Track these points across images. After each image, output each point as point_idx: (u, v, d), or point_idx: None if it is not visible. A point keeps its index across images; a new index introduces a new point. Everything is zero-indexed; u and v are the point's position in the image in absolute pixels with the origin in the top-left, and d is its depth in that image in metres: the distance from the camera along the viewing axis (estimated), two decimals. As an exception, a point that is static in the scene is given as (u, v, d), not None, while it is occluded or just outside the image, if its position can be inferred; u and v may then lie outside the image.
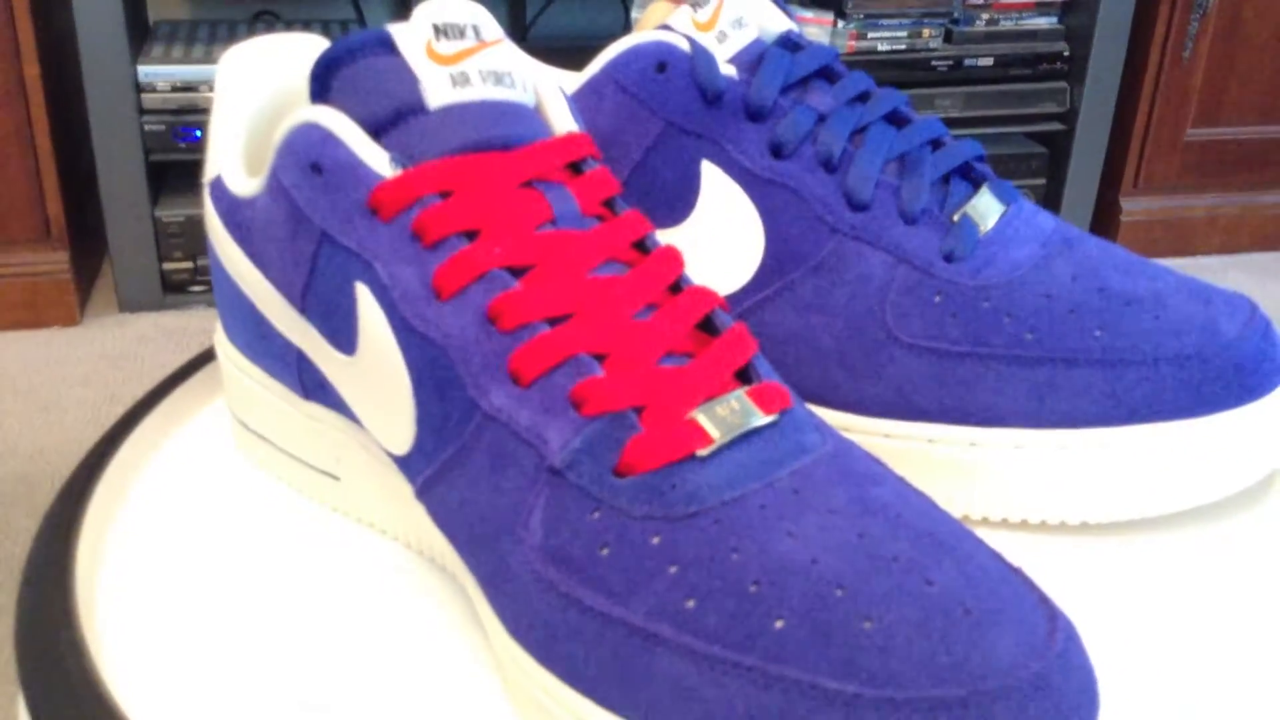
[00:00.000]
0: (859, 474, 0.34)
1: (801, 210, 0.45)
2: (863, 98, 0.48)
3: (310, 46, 0.46)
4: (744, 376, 0.35)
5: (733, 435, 0.33)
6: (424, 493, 0.36)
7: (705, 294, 0.36)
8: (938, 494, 0.43)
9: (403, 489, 0.39)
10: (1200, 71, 1.85)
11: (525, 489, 0.33)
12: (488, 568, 0.34)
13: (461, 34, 0.37)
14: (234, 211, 0.42)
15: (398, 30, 0.37)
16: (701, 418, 0.33)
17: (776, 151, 0.45)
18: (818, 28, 1.76)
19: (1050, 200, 1.88)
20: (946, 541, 0.32)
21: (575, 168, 0.38)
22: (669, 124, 0.46)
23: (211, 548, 0.43)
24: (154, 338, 1.61)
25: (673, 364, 0.34)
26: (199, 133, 1.58)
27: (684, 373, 0.34)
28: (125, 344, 1.59)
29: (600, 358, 0.34)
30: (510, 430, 0.33)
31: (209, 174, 0.44)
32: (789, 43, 0.48)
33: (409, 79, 0.36)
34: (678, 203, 0.46)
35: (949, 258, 0.44)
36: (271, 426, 0.45)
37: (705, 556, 0.31)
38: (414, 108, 0.36)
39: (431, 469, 0.36)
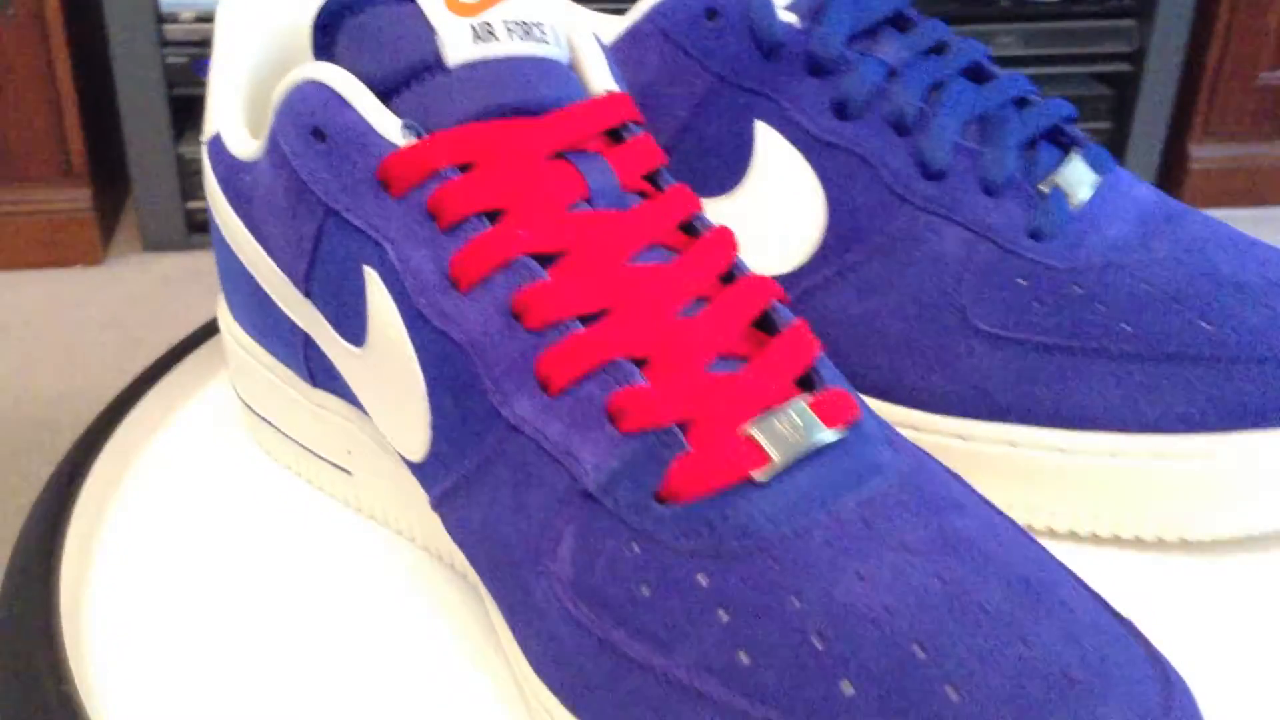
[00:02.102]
0: (939, 499, 0.29)
1: (868, 178, 0.40)
2: (939, 49, 0.42)
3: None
4: (805, 383, 0.31)
5: (794, 455, 0.28)
6: (441, 505, 0.32)
7: (762, 284, 0.31)
8: (1018, 504, 0.39)
9: (420, 491, 0.35)
10: (1276, 10, 1.76)
11: (553, 514, 0.29)
12: (511, 598, 0.30)
13: (486, -21, 0.32)
14: (233, 175, 0.37)
15: (412, -26, 0.32)
16: (758, 434, 0.28)
17: (841, 111, 0.40)
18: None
19: (1115, 147, 1.80)
20: (1044, 588, 0.27)
21: (614, 135, 0.33)
22: (719, 79, 0.41)
23: (211, 547, 0.39)
24: (179, 279, 1.57)
25: (724, 370, 0.30)
26: (225, 66, 1.53)
27: (738, 380, 0.29)
28: (149, 285, 1.56)
29: (641, 362, 0.29)
30: (536, 445, 0.29)
31: (207, 130, 0.39)
32: (856, -13, 0.43)
33: (425, 32, 0.31)
34: (728, 169, 0.41)
35: (1035, 235, 0.39)
36: (278, 412, 0.41)
37: (761, 602, 0.27)
38: (430, 65, 0.31)
39: (449, 481, 0.31)
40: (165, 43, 1.52)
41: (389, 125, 0.31)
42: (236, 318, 0.41)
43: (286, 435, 0.41)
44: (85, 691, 0.33)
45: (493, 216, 0.30)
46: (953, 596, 0.26)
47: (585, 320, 0.29)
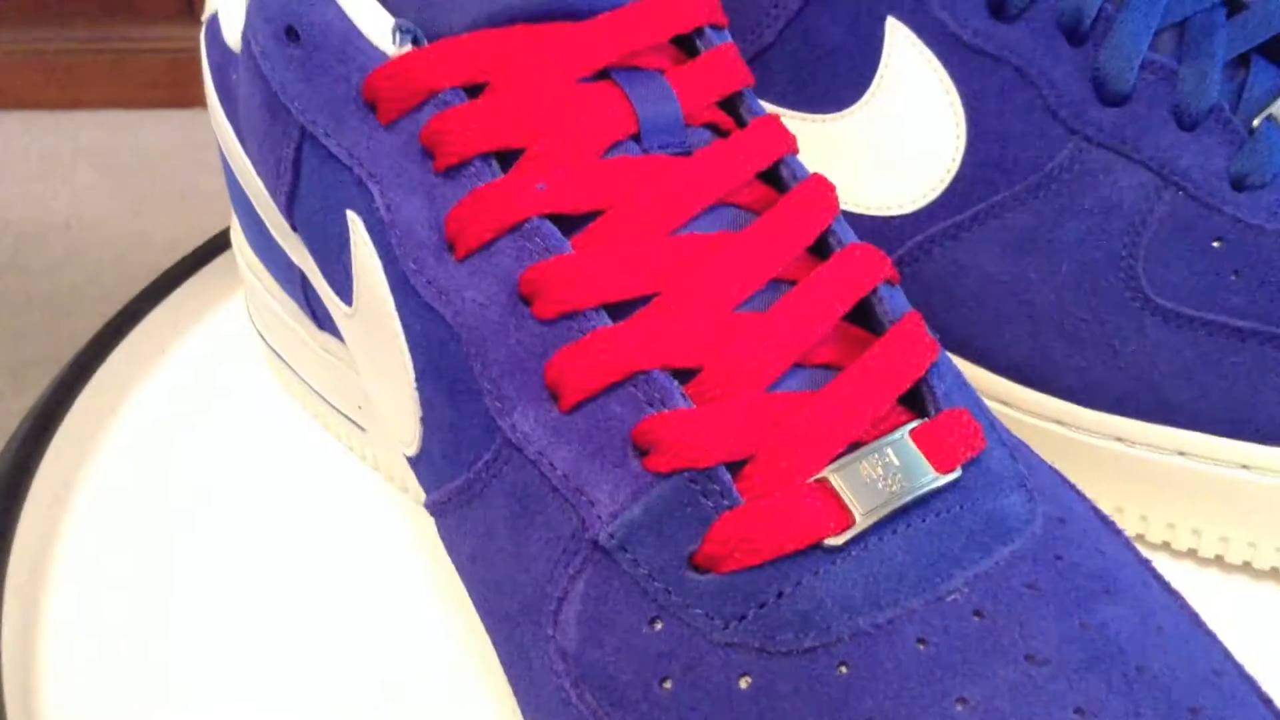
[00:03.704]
0: (1084, 576, 0.21)
1: (1026, 99, 0.31)
2: (1131, -72, 0.33)
3: None
4: (912, 401, 0.23)
5: (885, 511, 0.21)
6: (433, 513, 0.25)
7: (866, 260, 0.23)
8: (1182, 525, 0.31)
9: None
10: None
11: (558, 564, 0.22)
12: (507, 650, 0.23)
13: None
14: (224, 69, 0.30)
15: None
16: (837, 481, 0.21)
17: (998, 8, 0.31)
18: None
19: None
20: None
21: (684, 45, 0.25)
22: (845, -41, 0.32)
23: (207, 499, 0.33)
24: (299, 124, 1.52)
25: (799, 385, 0.22)
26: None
27: (817, 401, 0.21)
28: (269, 129, 1.51)
29: (686, 375, 0.21)
30: (540, 472, 0.22)
31: (207, 8, 0.32)
32: None
33: (432, -101, 0.23)
34: (845, 80, 0.33)
35: (1239, 184, 0.30)
36: (290, 351, 0.35)
37: (822, 723, 0.19)
38: (439, -54, 0.24)
39: (439, 494, 0.24)
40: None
41: (378, 27, 0.23)
42: (246, 234, 0.34)
43: (298, 375, 0.35)
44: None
45: (505, 159, 0.23)
46: (1090, 742, 0.19)
47: (615, 311, 0.22)
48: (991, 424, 0.24)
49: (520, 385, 0.22)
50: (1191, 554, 0.31)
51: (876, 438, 0.21)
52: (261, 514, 0.33)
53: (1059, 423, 0.31)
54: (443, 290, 0.23)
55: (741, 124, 0.25)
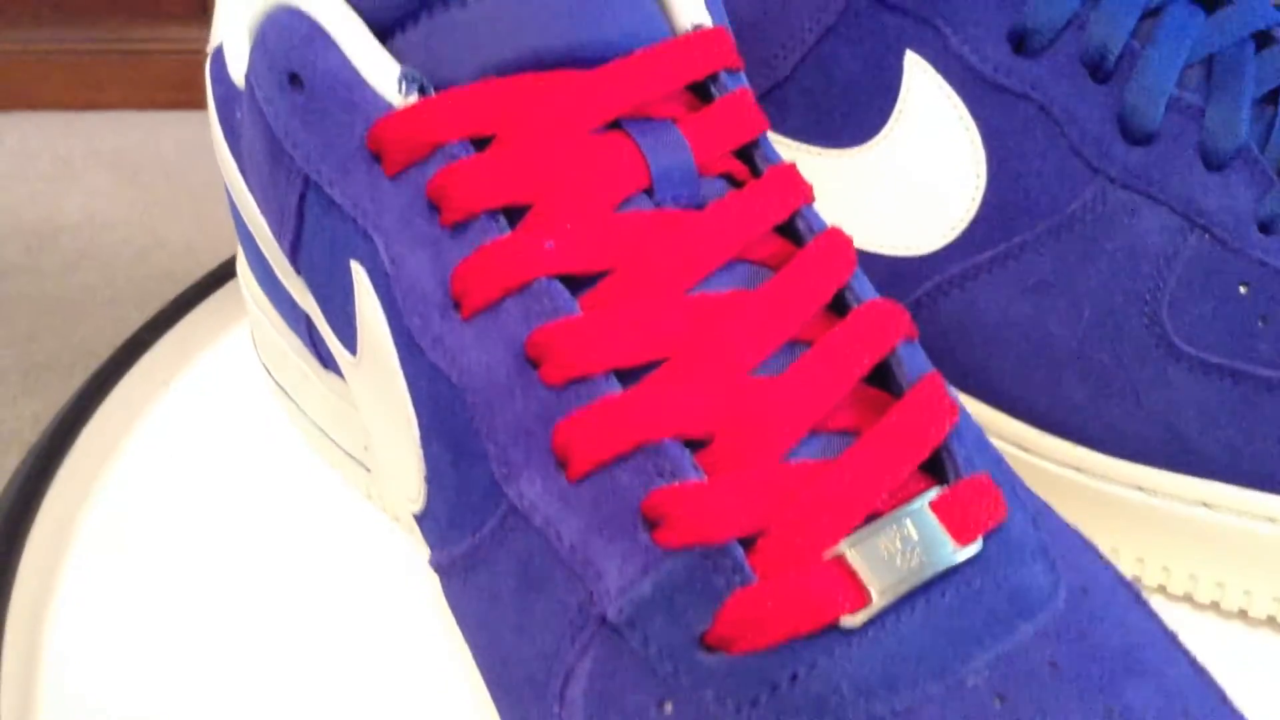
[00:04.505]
0: (1107, 653, 0.21)
1: (1049, 136, 0.30)
2: (1158, -42, 0.32)
3: None
4: (932, 465, 0.22)
5: (903, 590, 0.20)
6: (438, 573, 0.25)
7: (885, 316, 0.23)
8: (1206, 574, 0.30)
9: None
10: None
11: (564, 639, 0.21)
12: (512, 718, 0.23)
13: None
14: (229, 104, 0.29)
15: None
16: (853, 557, 0.20)
17: (1020, 43, 0.30)
18: None
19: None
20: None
21: (700, 91, 0.25)
22: (862, -8, 0.31)
23: (208, 539, 0.32)
24: (312, 124, 1.51)
25: (816, 453, 0.21)
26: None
27: (833, 471, 0.21)
28: (283, 130, 1.50)
29: (698, 444, 0.21)
30: (547, 542, 0.21)
31: (212, 40, 0.31)
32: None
33: (439, -56, 0.23)
34: (862, 115, 0.32)
35: (1267, 227, 0.29)
36: (294, 386, 0.34)
37: (837, 812, 0.19)
38: (445, -9, 0.23)
39: (444, 556, 0.24)
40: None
41: (384, 75, 0.23)
42: (251, 268, 0.34)
43: (304, 411, 0.34)
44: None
45: (513, 215, 0.22)
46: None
47: (625, 377, 0.21)
48: (1013, 486, 0.23)
49: (527, 451, 0.21)
50: (1214, 606, 0.30)
51: (895, 507, 0.21)
52: (267, 551, 0.32)
53: (1079, 469, 0.31)
54: (448, 349, 0.22)
55: (756, 172, 0.24)
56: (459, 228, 0.22)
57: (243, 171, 0.29)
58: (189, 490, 0.34)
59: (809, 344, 0.22)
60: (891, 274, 0.32)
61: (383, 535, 0.32)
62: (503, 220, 0.22)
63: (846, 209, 0.33)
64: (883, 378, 0.23)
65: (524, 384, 0.21)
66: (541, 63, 0.23)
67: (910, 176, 0.31)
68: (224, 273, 0.41)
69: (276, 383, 0.35)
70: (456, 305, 0.22)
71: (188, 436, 0.36)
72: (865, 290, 0.24)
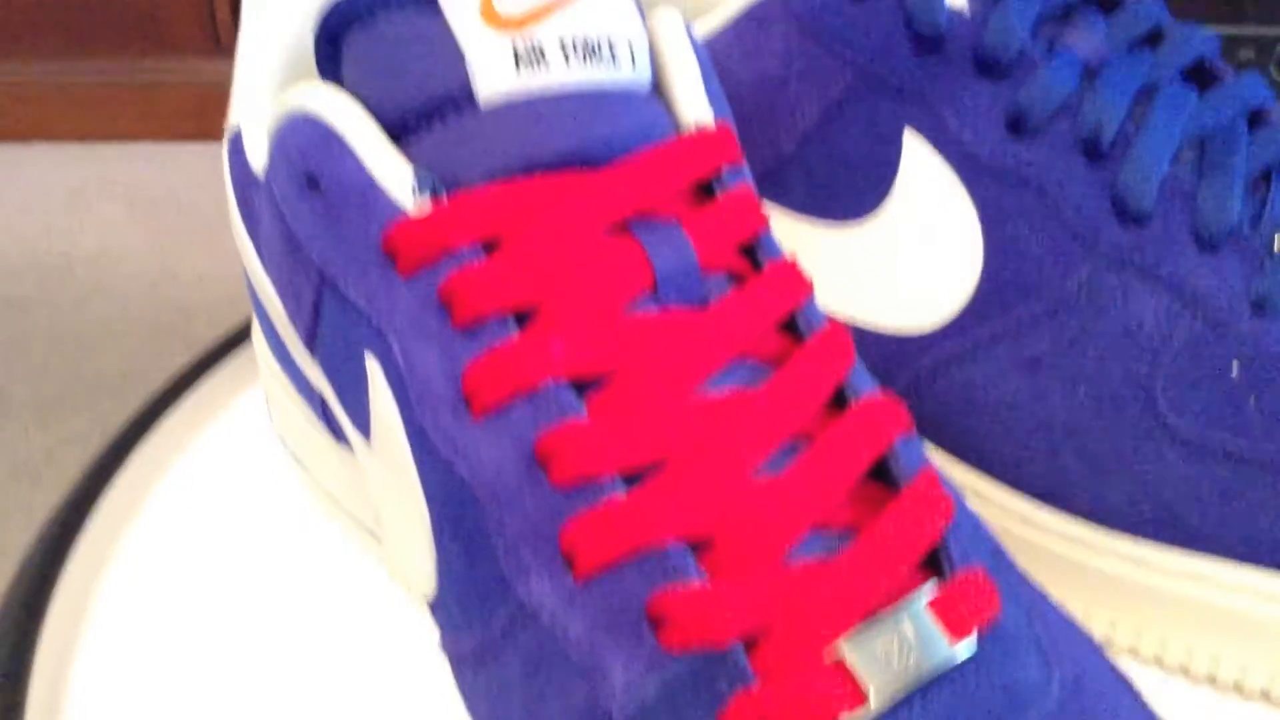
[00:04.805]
0: (1099, 746, 0.21)
1: (1043, 216, 0.31)
2: (1153, 39, 0.33)
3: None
4: (931, 559, 0.23)
5: (900, 692, 0.21)
6: (450, 663, 0.25)
7: (883, 412, 0.23)
8: (1200, 652, 0.30)
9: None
10: None
11: (571, 735, 0.22)
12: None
13: (537, -19, 0.24)
14: (247, 188, 0.30)
15: (439, -25, 0.24)
16: (852, 658, 0.21)
17: (1016, 125, 0.31)
18: None
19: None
20: None
21: (704, 189, 0.25)
22: (864, 74, 0.32)
23: (225, 606, 0.33)
24: (323, 155, 1.53)
25: (816, 553, 0.22)
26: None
27: (833, 571, 0.21)
28: (294, 161, 1.52)
29: (700, 546, 0.21)
30: (555, 641, 0.22)
31: (230, 122, 0.32)
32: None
33: (451, 53, 0.24)
34: (860, 191, 0.33)
35: (1260, 307, 0.30)
36: (308, 455, 0.35)
37: None
38: (457, 98, 0.24)
39: (454, 648, 0.25)
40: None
41: (397, 179, 0.24)
42: (267, 340, 0.34)
43: (316, 479, 0.35)
44: None
45: (522, 318, 0.23)
46: None
47: (630, 479, 0.22)
48: (1008, 576, 0.23)
49: (536, 551, 0.22)
50: (1210, 680, 0.31)
51: (893, 603, 0.21)
52: (284, 620, 0.33)
53: (1077, 543, 0.31)
54: (460, 447, 0.23)
55: (758, 266, 0.25)
56: (469, 329, 0.23)
57: (260, 256, 0.30)
58: (206, 556, 0.35)
59: (809, 440, 0.23)
60: (890, 352, 0.32)
61: (395, 606, 0.33)
62: (511, 323, 0.23)
63: (846, 283, 0.33)
64: (880, 469, 0.23)
65: (533, 485, 0.22)
66: (549, 164, 0.23)
67: (909, 252, 0.32)
68: (239, 336, 0.42)
69: (290, 450, 0.36)
70: (467, 405, 0.23)
71: (204, 502, 0.37)
72: (864, 383, 0.24)
